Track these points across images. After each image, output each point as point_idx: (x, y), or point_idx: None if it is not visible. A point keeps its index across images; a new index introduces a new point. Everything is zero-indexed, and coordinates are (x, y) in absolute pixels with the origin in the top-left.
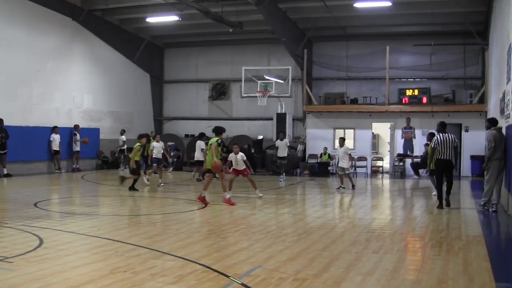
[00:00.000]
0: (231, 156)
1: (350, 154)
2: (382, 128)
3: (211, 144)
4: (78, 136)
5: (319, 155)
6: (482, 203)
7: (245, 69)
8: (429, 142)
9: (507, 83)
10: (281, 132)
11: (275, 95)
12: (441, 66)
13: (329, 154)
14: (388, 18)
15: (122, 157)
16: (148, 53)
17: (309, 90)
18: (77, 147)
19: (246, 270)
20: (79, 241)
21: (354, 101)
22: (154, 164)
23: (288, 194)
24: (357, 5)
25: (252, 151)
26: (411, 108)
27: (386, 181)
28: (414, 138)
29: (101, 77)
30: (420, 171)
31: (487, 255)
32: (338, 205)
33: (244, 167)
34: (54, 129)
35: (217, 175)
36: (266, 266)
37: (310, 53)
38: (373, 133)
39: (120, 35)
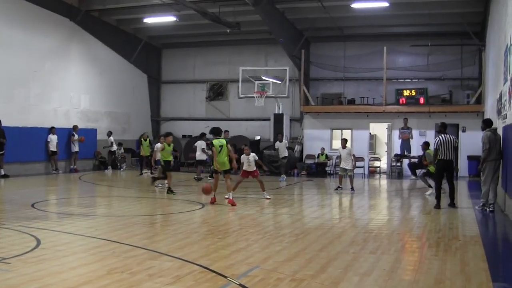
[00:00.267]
0: (243, 157)
1: (353, 155)
2: (379, 129)
3: (222, 146)
4: (76, 136)
5: (316, 156)
6: (481, 204)
7: (242, 70)
8: (424, 150)
9: (504, 83)
10: (279, 133)
11: (273, 95)
12: (438, 66)
13: (326, 155)
14: (385, 18)
15: (112, 158)
16: (146, 53)
17: (306, 91)
18: (75, 148)
19: (243, 270)
20: (76, 242)
21: (352, 102)
22: (159, 166)
23: (285, 195)
24: (354, 5)
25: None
26: (408, 109)
27: (384, 182)
28: (411, 138)
29: (99, 78)
30: (418, 171)
31: (484, 255)
32: (335, 205)
33: (255, 168)
34: (52, 130)
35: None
36: (264, 267)
37: (307, 53)
38: (370, 133)
39: (117, 36)
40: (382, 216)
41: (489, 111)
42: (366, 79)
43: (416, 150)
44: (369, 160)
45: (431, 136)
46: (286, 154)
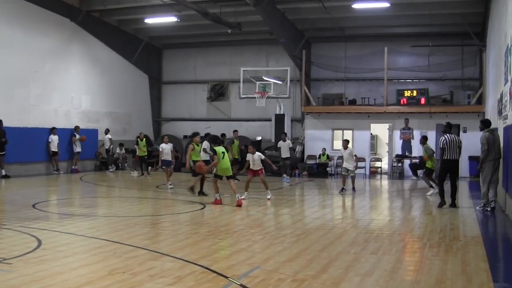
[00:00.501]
0: (248, 156)
1: (356, 155)
2: (380, 129)
3: (224, 152)
4: (77, 136)
5: (317, 156)
6: (482, 204)
7: (243, 70)
8: (422, 145)
9: (505, 84)
10: (283, 133)
11: (274, 96)
12: (439, 67)
13: (327, 155)
14: (386, 19)
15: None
16: (147, 54)
17: (307, 91)
18: (77, 148)
19: (245, 271)
20: (77, 242)
21: (353, 102)
22: (164, 167)
23: (286, 195)
24: (355, 6)
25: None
26: (409, 109)
27: (385, 182)
28: (413, 139)
29: (99, 78)
30: (419, 172)
31: (485, 255)
32: (336, 206)
33: (260, 167)
34: (53, 130)
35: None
36: (265, 267)
37: (308, 54)
38: (371, 134)
39: (118, 36)
40: (383, 217)
41: (490, 112)
42: (367, 80)
43: (417, 150)
44: (370, 161)
45: (432, 137)
46: (289, 155)
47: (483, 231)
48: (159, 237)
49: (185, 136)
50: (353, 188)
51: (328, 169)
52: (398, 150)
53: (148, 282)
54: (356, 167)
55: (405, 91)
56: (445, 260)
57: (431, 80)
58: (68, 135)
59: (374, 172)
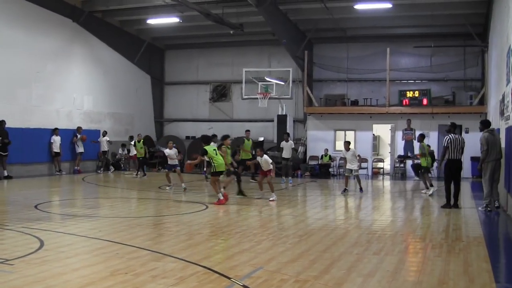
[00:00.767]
0: (258, 158)
1: (359, 156)
2: (382, 130)
3: (215, 150)
4: (78, 136)
5: (320, 157)
6: (484, 205)
7: (245, 71)
8: (419, 141)
9: (507, 84)
10: (285, 133)
11: (276, 96)
12: (441, 67)
13: (330, 156)
14: (389, 20)
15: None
16: (149, 54)
17: (309, 92)
18: (79, 149)
19: (247, 271)
20: (79, 243)
21: (355, 103)
22: (166, 170)
23: (289, 196)
24: (357, 7)
25: (253, 152)
26: (411, 110)
27: (387, 183)
28: (415, 139)
29: (102, 79)
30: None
31: (487, 256)
32: (339, 206)
33: (269, 168)
34: (55, 131)
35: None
36: (268, 268)
37: (310, 54)
38: (373, 134)
39: (120, 37)
40: (386, 217)
41: (492, 112)
42: (369, 80)
43: (419, 151)
44: (373, 161)
45: (434, 137)
46: (290, 156)
47: (485, 232)
48: (161, 238)
49: (187, 137)
50: (361, 189)
51: (330, 169)
52: (400, 151)
53: (150, 283)
54: (360, 166)
55: (407, 92)
56: (447, 261)
57: (433, 80)
58: (70, 136)
59: (376, 173)
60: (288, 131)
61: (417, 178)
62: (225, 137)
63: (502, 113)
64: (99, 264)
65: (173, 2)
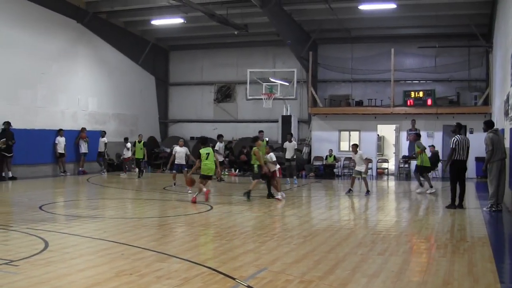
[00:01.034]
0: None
1: (367, 158)
2: (387, 130)
3: (209, 153)
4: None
5: (324, 157)
6: (489, 205)
7: (250, 72)
8: (415, 140)
9: (511, 85)
10: (289, 133)
11: (280, 97)
12: (446, 68)
13: (334, 156)
14: (393, 20)
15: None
16: (153, 55)
17: (314, 92)
18: (82, 149)
19: (252, 272)
20: (84, 244)
21: (359, 103)
22: (174, 171)
23: (293, 196)
24: (362, 7)
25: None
26: (416, 110)
27: (392, 183)
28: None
29: (106, 80)
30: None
31: (492, 256)
32: (343, 207)
33: (275, 168)
34: (59, 132)
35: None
36: (272, 268)
37: (315, 55)
38: (378, 135)
39: (125, 38)
40: (390, 218)
41: (497, 113)
42: (373, 81)
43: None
44: (377, 162)
45: (438, 138)
46: (294, 156)
47: (490, 232)
48: (166, 239)
49: (192, 138)
50: (367, 191)
51: (335, 170)
52: (404, 151)
53: (155, 284)
54: (366, 170)
55: (412, 92)
56: (452, 261)
57: (438, 81)
58: (75, 137)
59: (381, 173)
60: (292, 131)
61: (422, 179)
62: (256, 139)
63: (506, 113)
64: (104, 265)
65: (178, 3)
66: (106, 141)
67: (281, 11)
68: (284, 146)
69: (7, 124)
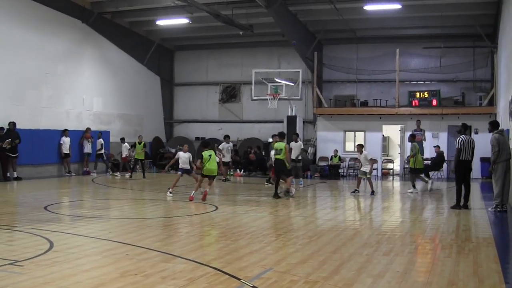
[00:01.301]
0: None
1: (371, 159)
2: (392, 131)
3: (211, 155)
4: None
5: (329, 158)
6: (494, 205)
7: (255, 72)
8: (410, 141)
9: None
10: (294, 133)
11: (286, 97)
12: (451, 68)
13: (339, 157)
14: (398, 20)
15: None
16: (158, 55)
17: (319, 93)
18: (86, 149)
19: (257, 272)
20: (89, 244)
21: (364, 104)
22: (179, 172)
23: (299, 197)
24: (367, 8)
25: (263, 153)
26: (421, 111)
27: (397, 183)
28: (424, 140)
29: (111, 80)
30: (431, 173)
31: (497, 256)
32: (348, 207)
33: None
34: (64, 132)
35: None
36: (277, 269)
37: (320, 55)
38: (383, 135)
39: (130, 38)
40: (395, 218)
41: (502, 113)
42: (379, 81)
43: (429, 152)
44: (382, 162)
45: (443, 138)
46: (300, 157)
47: (495, 233)
48: (171, 239)
49: (197, 138)
50: (372, 192)
51: (340, 170)
52: (409, 152)
53: (160, 284)
54: (371, 171)
55: (417, 93)
56: (457, 262)
57: (443, 81)
58: (80, 137)
59: (386, 174)
60: (297, 132)
61: (426, 179)
62: (283, 134)
63: (511, 114)
64: (109, 265)
65: (183, 3)
66: (102, 142)
67: (286, 12)
68: (290, 146)
69: (13, 124)
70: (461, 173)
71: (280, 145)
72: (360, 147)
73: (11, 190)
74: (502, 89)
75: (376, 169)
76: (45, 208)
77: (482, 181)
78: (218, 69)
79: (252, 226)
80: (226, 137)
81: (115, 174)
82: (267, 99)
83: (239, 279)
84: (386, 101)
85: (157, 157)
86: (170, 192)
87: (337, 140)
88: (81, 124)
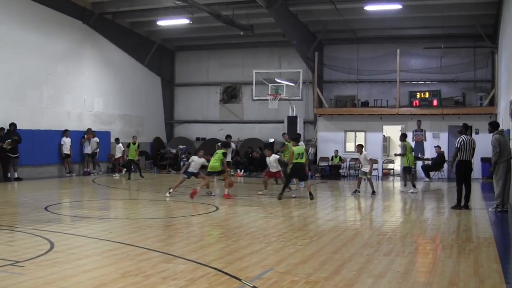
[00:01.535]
0: (267, 159)
1: (371, 159)
2: (393, 131)
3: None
4: (86, 137)
5: (330, 158)
6: (495, 205)
7: (256, 72)
8: (401, 141)
9: None
10: (296, 134)
11: (286, 98)
12: (451, 68)
13: (340, 157)
14: (399, 21)
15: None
16: (159, 56)
17: (320, 93)
18: (86, 149)
19: (257, 273)
20: (90, 245)
21: (365, 104)
22: (185, 176)
23: (299, 197)
24: (367, 8)
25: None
26: (421, 111)
27: (397, 184)
28: (425, 140)
29: (112, 80)
30: (431, 173)
31: (498, 256)
32: (349, 207)
33: (278, 169)
34: (65, 133)
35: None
36: (278, 269)
37: (321, 56)
38: (384, 135)
39: (131, 38)
40: (396, 218)
41: (502, 113)
42: (379, 81)
43: (429, 152)
44: (383, 162)
45: (444, 138)
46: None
47: (495, 233)
48: (171, 239)
49: (197, 138)
50: (373, 192)
51: (340, 171)
52: None
53: (160, 285)
54: (371, 171)
55: (418, 93)
56: (458, 262)
57: (444, 82)
58: (80, 137)
59: (386, 174)
60: (298, 132)
61: (427, 179)
62: (296, 137)
63: None
64: (109, 266)
65: (183, 4)
66: (98, 140)
67: (287, 12)
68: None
69: (13, 126)
70: (461, 173)
71: (301, 149)
72: (360, 147)
73: (12, 191)
74: (502, 89)
75: (377, 169)
76: (46, 208)
77: (482, 181)
78: (219, 69)
79: (252, 227)
80: (228, 137)
81: (114, 175)
82: (267, 100)
83: (239, 280)
84: (387, 101)
85: (158, 157)
86: (170, 193)
87: (338, 141)
88: (81, 125)
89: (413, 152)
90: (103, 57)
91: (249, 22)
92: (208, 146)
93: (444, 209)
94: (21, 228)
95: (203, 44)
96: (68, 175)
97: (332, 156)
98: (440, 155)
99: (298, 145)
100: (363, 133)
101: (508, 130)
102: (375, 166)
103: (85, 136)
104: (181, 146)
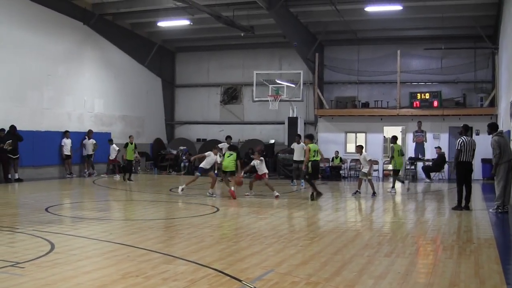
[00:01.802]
0: (254, 162)
1: (370, 160)
2: (393, 132)
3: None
4: (86, 138)
5: (330, 159)
6: (495, 206)
7: (256, 73)
8: (392, 143)
9: None
10: (297, 135)
11: (287, 99)
12: (452, 69)
13: (340, 158)
14: (399, 22)
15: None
16: (160, 57)
17: (320, 94)
18: (85, 151)
19: (258, 274)
20: (90, 246)
21: (366, 105)
22: (198, 173)
23: (299, 198)
24: (368, 9)
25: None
26: (422, 112)
27: (398, 185)
28: (426, 141)
29: (112, 81)
30: (432, 174)
31: (498, 257)
32: (350, 208)
33: (264, 171)
34: (66, 134)
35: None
36: (279, 270)
37: (321, 57)
38: (384, 136)
39: (131, 39)
40: (397, 219)
41: (503, 114)
42: (380, 83)
43: (430, 153)
44: (383, 163)
45: (444, 139)
46: (302, 158)
47: (496, 234)
48: (172, 241)
49: (198, 139)
50: (373, 193)
51: (341, 172)
52: (411, 153)
53: (161, 286)
54: (370, 172)
55: (418, 94)
56: (458, 263)
57: (444, 82)
58: (81, 138)
59: (387, 175)
60: (299, 133)
61: (428, 180)
62: (310, 137)
63: None
64: (110, 267)
65: (184, 5)
66: (94, 142)
67: (287, 13)
68: (292, 147)
69: (13, 128)
70: (462, 174)
71: (316, 146)
72: (360, 148)
73: (12, 192)
74: (503, 90)
75: (377, 170)
76: (46, 209)
77: (483, 182)
78: (219, 70)
79: (253, 228)
80: (228, 138)
81: (114, 176)
82: (268, 101)
83: (240, 281)
84: (387, 102)
85: (158, 158)
86: (182, 189)
87: (338, 141)
88: (82, 126)
89: (403, 156)
90: (104, 58)
91: (250, 23)
92: (208, 147)
93: (444, 210)
94: (21, 229)
95: (203, 45)
96: (69, 176)
97: (333, 157)
98: (441, 156)
99: (312, 143)
100: (364, 134)
101: (509, 131)
102: (375, 167)
103: (86, 137)
104: (181, 147)
